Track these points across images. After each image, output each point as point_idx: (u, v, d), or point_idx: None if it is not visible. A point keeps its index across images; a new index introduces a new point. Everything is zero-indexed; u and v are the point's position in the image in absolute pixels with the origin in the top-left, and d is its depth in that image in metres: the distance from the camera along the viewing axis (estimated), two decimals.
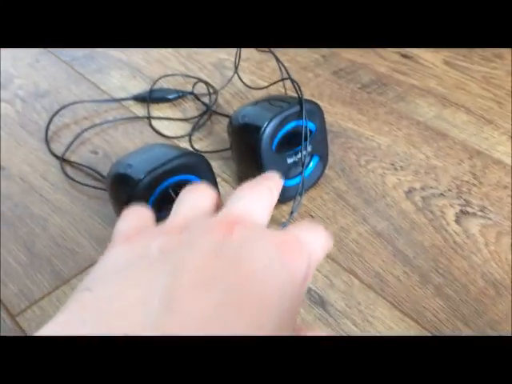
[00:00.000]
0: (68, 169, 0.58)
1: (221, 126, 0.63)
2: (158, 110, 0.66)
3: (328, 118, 0.55)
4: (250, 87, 0.67)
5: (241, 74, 0.67)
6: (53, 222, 0.51)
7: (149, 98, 0.66)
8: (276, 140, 0.49)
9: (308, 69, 0.73)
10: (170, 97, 0.67)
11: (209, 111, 0.65)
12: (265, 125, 0.48)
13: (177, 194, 0.25)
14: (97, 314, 0.17)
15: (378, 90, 0.68)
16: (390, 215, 0.51)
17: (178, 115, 0.65)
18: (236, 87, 0.69)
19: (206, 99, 0.67)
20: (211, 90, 0.68)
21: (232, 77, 0.68)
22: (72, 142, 0.60)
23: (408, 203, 0.52)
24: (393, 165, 0.57)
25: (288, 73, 0.53)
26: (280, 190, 0.26)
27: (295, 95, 0.50)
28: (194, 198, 0.24)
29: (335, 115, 0.64)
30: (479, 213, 0.51)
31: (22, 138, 0.62)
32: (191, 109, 0.66)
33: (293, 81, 0.51)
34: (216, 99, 0.67)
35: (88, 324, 0.17)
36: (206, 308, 0.18)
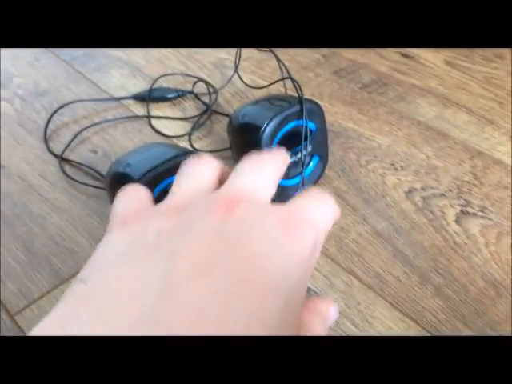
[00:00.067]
0: (67, 168, 0.58)
1: (221, 126, 0.63)
2: (157, 110, 0.66)
3: (328, 118, 0.54)
4: (250, 86, 0.67)
5: (241, 73, 0.67)
6: (51, 220, 0.51)
7: (148, 97, 0.66)
8: (276, 139, 0.49)
9: (308, 68, 0.73)
10: (170, 96, 0.67)
11: (209, 110, 0.64)
12: (265, 124, 0.48)
13: None
14: (92, 307, 0.17)
15: (379, 90, 0.68)
16: (390, 215, 0.51)
17: (178, 114, 0.65)
18: (236, 86, 0.69)
19: (205, 98, 0.67)
20: (211, 90, 0.68)
21: (232, 76, 0.68)
22: (71, 141, 0.60)
23: (408, 203, 0.52)
24: (393, 165, 0.57)
25: (288, 72, 0.53)
26: (286, 166, 0.24)
27: (295, 95, 0.50)
28: (195, 172, 0.23)
29: (335, 115, 0.64)
30: (479, 213, 0.51)
31: (21, 136, 0.62)
32: (191, 108, 0.66)
33: (293, 80, 0.51)
34: (216, 98, 0.66)
35: (83, 318, 0.16)
36: (205, 294, 0.17)
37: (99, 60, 0.76)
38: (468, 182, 0.54)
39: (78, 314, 0.17)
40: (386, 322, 0.42)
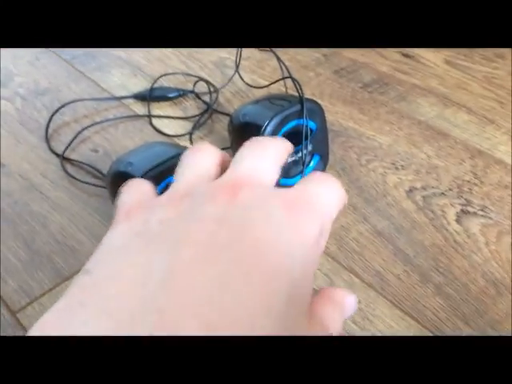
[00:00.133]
0: (68, 167, 0.58)
1: (221, 125, 0.63)
2: (158, 109, 0.66)
3: (329, 117, 0.54)
4: (250, 86, 0.67)
5: (241, 72, 0.67)
6: (53, 219, 0.51)
7: (149, 97, 0.66)
8: None
9: (309, 68, 0.73)
10: (171, 95, 0.67)
11: (209, 110, 0.65)
12: (265, 123, 0.48)
13: None
14: (96, 297, 0.17)
15: (380, 90, 0.68)
16: (390, 214, 0.51)
17: (179, 114, 0.65)
18: (237, 86, 0.69)
19: (206, 98, 0.67)
20: (212, 89, 0.68)
21: (233, 75, 0.68)
22: (72, 140, 0.60)
23: (409, 202, 0.52)
24: (394, 164, 0.57)
25: (289, 72, 0.53)
26: (288, 152, 0.23)
27: (296, 94, 0.50)
28: (196, 161, 0.23)
29: (336, 114, 0.64)
30: (480, 212, 0.51)
31: (22, 135, 0.62)
32: (192, 107, 0.66)
33: (294, 80, 0.51)
34: (217, 98, 0.66)
35: (87, 308, 0.16)
36: (208, 281, 0.16)
37: (100, 59, 0.76)
38: (468, 181, 0.54)
39: (83, 302, 0.17)
40: (386, 321, 0.42)
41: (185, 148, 0.48)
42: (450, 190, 0.53)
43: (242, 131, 0.51)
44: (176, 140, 0.61)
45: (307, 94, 0.52)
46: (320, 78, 0.71)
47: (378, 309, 0.43)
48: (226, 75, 0.71)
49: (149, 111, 0.65)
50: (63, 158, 0.58)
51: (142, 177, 0.42)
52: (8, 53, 0.77)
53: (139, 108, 0.66)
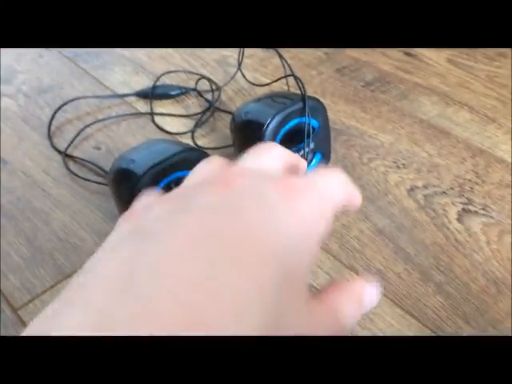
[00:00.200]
0: (70, 164, 0.58)
1: (223, 123, 0.63)
2: (160, 107, 0.66)
3: (331, 116, 0.54)
4: (253, 84, 0.67)
5: (244, 70, 0.67)
6: (55, 216, 0.52)
7: (151, 94, 0.66)
8: (279, 137, 0.49)
9: (311, 66, 0.73)
10: (173, 93, 0.67)
11: (211, 108, 0.65)
12: (268, 121, 0.48)
13: None
14: (85, 293, 0.17)
15: (382, 88, 0.68)
16: (391, 213, 0.51)
17: (181, 111, 0.65)
18: (239, 84, 0.69)
19: (208, 96, 0.67)
20: (214, 87, 0.68)
21: (235, 74, 0.68)
22: (75, 138, 0.61)
23: (410, 201, 0.52)
24: (395, 163, 0.57)
25: (291, 70, 0.53)
26: (292, 158, 0.23)
27: (298, 92, 0.50)
28: (204, 167, 0.22)
29: (338, 113, 0.64)
30: (481, 211, 0.51)
31: (24, 132, 0.63)
32: (194, 105, 0.66)
33: (296, 78, 0.51)
34: (219, 96, 0.67)
35: (76, 304, 0.16)
36: (198, 268, 0.16)
37: (103, 57, 0.76)
38: (470, 180, 0.54)
39: (73, 301, 0.17)
40: (387, 319, 0.42)
41: (187, 145, 0.48)
42: (452, 188, 0.53)
43: (244, 129, 0.51)
44: (178, 138, 0.61)
45: (309, 93, 0.52)
46: (322, 77, 0.71)
47: (379, 307, 0.43)
48: (229, 73, 0.71)
49: (151, 109, 0.65)
50: (65, 156, 0.58)
51: (143, 174, 0.43)
52: (11, 50, 0.77)
53: (141, 106, 0.66)
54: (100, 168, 0.56)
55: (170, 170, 0.43)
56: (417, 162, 0.57)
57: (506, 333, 0.41)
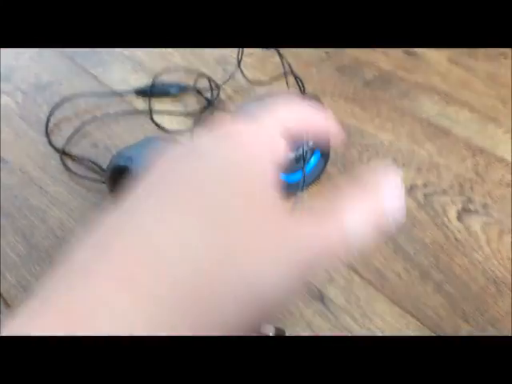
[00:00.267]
0: (68, 162, 0.57)
1: None
2: (159, 105, 0.66)
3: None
4: (252, 83, 0.67)
5: (243, 69, 0.67)
6: (52, 213, 0.51)
7: (150, 92, 0.66)
8: None
9: (311, 65, 0.72)
10: (172, 91, 0.67)
11: (211, 106, 0.64)
12: None
13: None
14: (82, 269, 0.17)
15: (382, 87, 0.68)
16: None
17: (180, 110, 0.65)
18: (238, 83, 0.69)
19: (208, 94, 0.66)
20: (213, 85, 0.67)
21: (234, 72, 0.68)
22: (73, 135, 0.60)
23: (410, 200, 0.52)
24: (395, 161, 0.56)
25: (291, 69, 0.52)
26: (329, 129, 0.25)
27: (298, 91, 0.50)
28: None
29: (338, 111, 0.64)
30: (481, 210, 0.51)
31: (22, 130, 0.62)
32: (193, 104, 0.66)
33: (295, 77, 0.51)
34: (218, 94, 0.66)
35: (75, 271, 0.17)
36: (154, 205, 0.18)
37: (101, 54, 0.75)
38: (470, 179, 0.54)
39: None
40: (386, 318, 0.42)
41: None
42: (452, 187, 0.53)
43: None
44: (177, 136, 0.61)
45: (309, 91, 0.52)
46: (322, 75, 0.70)
47: (378, 306, 0.43)
48: (228, 72, 0.70)
49: (150, 107, 0.65)
50: (63, 153, 0.58)
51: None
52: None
53: (140, 103, 0.66)
54: (98, 166, 0.56)
55: None
56: (417, 160, 0.56)
57: (506, 332, 0.41)
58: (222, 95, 0.67)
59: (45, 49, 0.77)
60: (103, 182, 0.52)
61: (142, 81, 0.69)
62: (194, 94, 0.67)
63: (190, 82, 0.68)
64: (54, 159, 0.58)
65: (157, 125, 0.62)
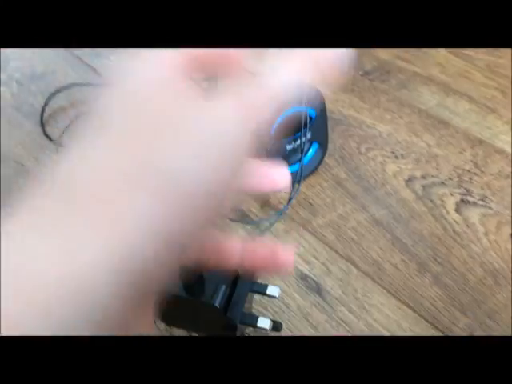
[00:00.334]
0: None
1: None
2: None
3: (329, 105, 0.54)
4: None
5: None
6: None
7: None
8: (275, 126, 0.49)
9: None
10: None
11: None
12: None
13: None
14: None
15: (381, 78, 0.67)
16: (389, 203, 0.50)
17: None
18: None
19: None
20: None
21: None
22: (68, 126, 0.60)
23: (408, 191, 0.51)
24: (393, 153, 0.56)
25: None
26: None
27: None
28: None
29: (336, 102, 0.63)
30: (480, 202, 0.50)
31: (17, 120, 0.62)
32: None
33: None
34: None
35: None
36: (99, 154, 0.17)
37: None
38: (469, 170, 0.54)
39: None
40: (383, 310, 0.42)
41: None
42: (450, 179, 0.53)
43: None
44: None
45: (307, 81, 0.51)
46: None
47: (375, 298, 0.42)
48: None
49: None
50: (59, 144, 0.58)
51: None
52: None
53: None
54: None
55: None
56: (415, 152, 0.56)
57: (504, 324, 0.41)
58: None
59: None
60: None
61: None
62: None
63: None
64: (50, 150, 0.57)
65: None
